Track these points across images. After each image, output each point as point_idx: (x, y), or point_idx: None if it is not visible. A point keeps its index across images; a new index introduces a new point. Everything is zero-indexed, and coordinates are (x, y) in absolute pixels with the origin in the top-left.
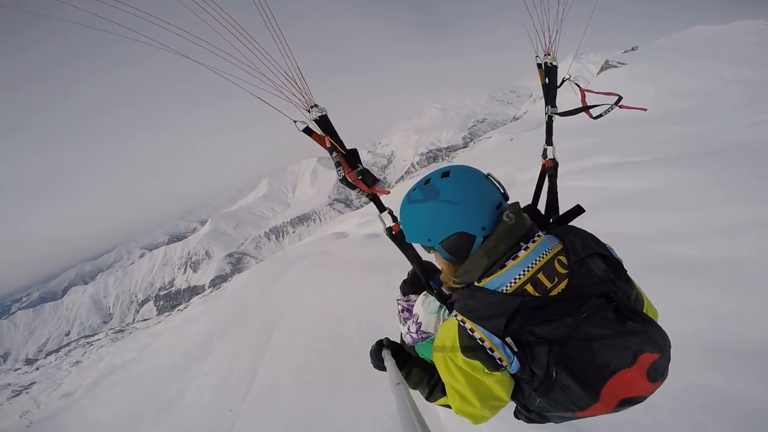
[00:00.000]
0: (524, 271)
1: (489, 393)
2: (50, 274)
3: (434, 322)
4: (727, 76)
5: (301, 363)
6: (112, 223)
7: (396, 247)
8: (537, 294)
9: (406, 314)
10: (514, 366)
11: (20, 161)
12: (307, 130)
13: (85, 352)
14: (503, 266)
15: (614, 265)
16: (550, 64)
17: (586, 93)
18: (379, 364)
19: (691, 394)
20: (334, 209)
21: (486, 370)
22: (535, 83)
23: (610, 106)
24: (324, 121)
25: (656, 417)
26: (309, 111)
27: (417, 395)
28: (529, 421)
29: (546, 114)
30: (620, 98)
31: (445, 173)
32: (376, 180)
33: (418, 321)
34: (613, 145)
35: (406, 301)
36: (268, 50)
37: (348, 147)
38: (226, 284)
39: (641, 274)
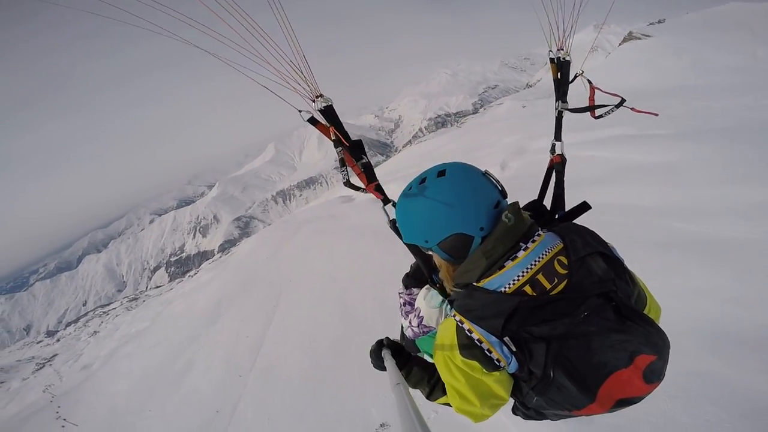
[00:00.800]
0: (523, 272)
1: (488, 392)
2: (64, 244)
3: (436, 317)
4: (760, 55)
5: (306, 331)
6: (121, 191)
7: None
8: (536, 295)
9: (408, 308)
10: (513, 366)
11: (32, 134)
12: (312, 120)
13: (102, 322)
14: (502, 267)
15: (615, 264)
16: (563, 59)
17: (595, 90)
18: (379, 364)
19: (692, 381)
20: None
21: (484, 370)
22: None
23: (614, 107)
24: (329, 112)
25: (655, 403)
26: (314, 101)
27: (417, 395)
28: (527, 417)
29: (556, 109)
30: (623, 100)
31: (441, 172)
32: (374, 180)
33: (420, 315)
34: (631, 116)
35: (408, 294)
36: (274, 39)
37: (354, 120)
38: (235, 249)
39: (653, 251)
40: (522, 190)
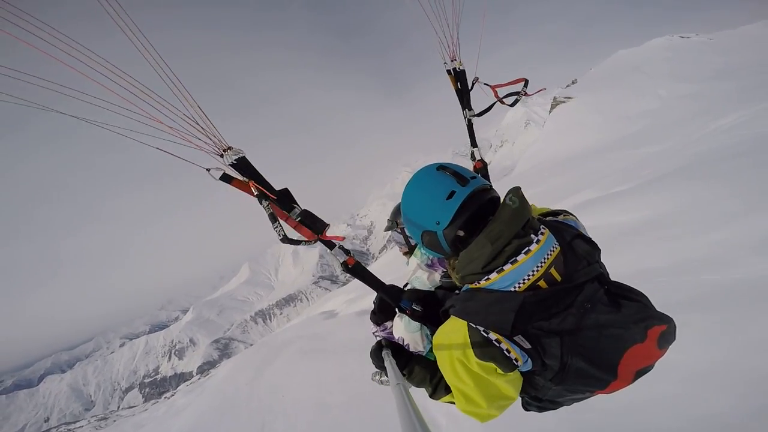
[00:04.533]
0: (538, 266)
1: (498, 393)
2: (24, 363)
3: (420, 339)
4: (662, 93)
5: None
6: (89, 315)
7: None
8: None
9: (391, 341)
10: (528, 364)
11: None
12: (225, 177)
13: None
14: (515, 261)
15: (592, 243)
16: (458, 68)
17: (496, 89)
18: (379, 365)
19: None
20: (320, 287)
21: (499, 371)
22: (491, 133)
23: (519, 92)
24: (243, 164)
25: None
26: (222, 156)
27: (418, 395)
28: (541, 410)
29: (465, 118)
30: (527, 81)
31: (409, 181)
32: (324, 224)
33: (406, 343)
34: (586, 179)
35: (383, 330)
36: (159, 94)
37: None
38: (214, 371)
39: (687, 314)
40: None
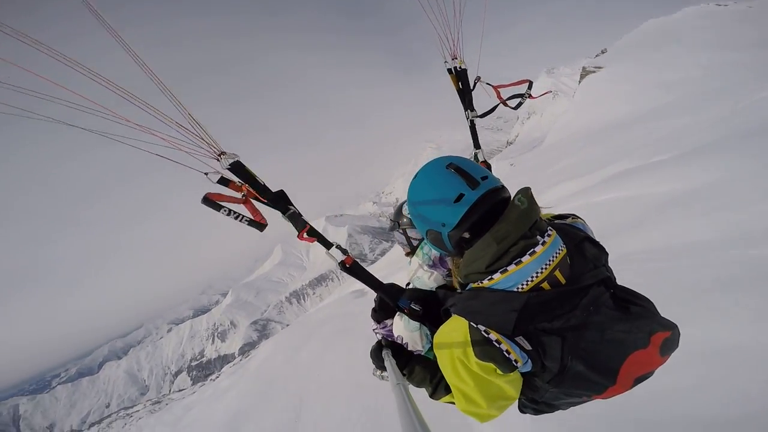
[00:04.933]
0: (543, 268)
1: (498, 394)
2: (85, 351)
3: (419, 339)
4: (704, 62)
5: None
6: (137, 302)
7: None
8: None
9: (390, 340)
10: (527, 365)
11: (54, 248)
12: (223, 181)
13: (125, 424)
14: (520, 262)
15: (599, 246)
16: (460, 68)
17: (499, 89)
18: (379, 365)
19: None
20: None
21: (499, 372)
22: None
23: (523, 95)
24: (238, 168)
25: None
26: (218, 160)
27: (418, 394)
28: (537, 412)
29: (467, 119)
30: (531, 83)
31: (415, 175)
32: (304, 225)
33: (405, 342)
34: (622, 149)
35: (383, 327)
36: (152, 103)
37: (354, 210)
38: (254, 352)
39: (740, 292)
40: None
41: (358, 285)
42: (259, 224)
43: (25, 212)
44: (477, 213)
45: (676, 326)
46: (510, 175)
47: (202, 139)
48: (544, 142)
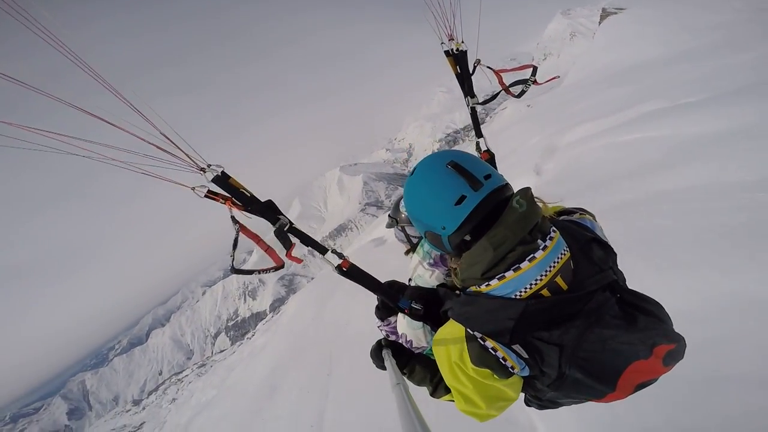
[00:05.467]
0: (543, 274)
1: (497, 395)
2: (132, 322)
3: (423, 336)
4: (737, 5)
5: (368, 402)
6: (172, 269)
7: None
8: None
9: (394, 337)
10: (525, 371)
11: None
12: (210, 195)
13: (178, 389)
14: (518, 269)
15: (607, 248)
16: (458, 50)
17: (501, 74)
18: (379, 364)
19: None
20: (367, 214)
21: (496, 377)
22: (532, 46)
23: (527, 81)
24: (222, 180)
25: None
26: (202, 174)
27: (417, 393)
28: (541, 408)
29: (468, 106)
30: (536, 69)
31: (412, 170)
32: (291, 244)
33: (408, 340)
34: (650, 90)
35: (387, 325)
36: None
37: (367, 158)
38: (284, 307)
39: None
40: (572, 196)
41: (377, 233)
42: (276, 267)
43: (67, 198)
44: (479, 215)
45: (683, 338)
46: (527, 116)
47: (184, 155)
48: (563, 83)
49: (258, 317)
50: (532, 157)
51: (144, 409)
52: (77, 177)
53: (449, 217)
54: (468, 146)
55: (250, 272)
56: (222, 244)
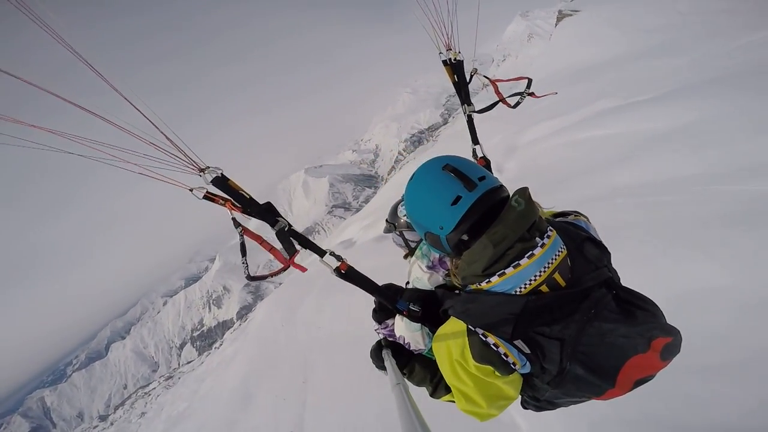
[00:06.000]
0: (541, 271)
1: (498, 394)
2: (88, 336)
3: (421, 338)
4: (682, 8)
5: (347, 409)
6: (129, 279)
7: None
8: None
9: (392, 339)
10: (526, 367)
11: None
12: (209, 197)
13: (146, 403)
14: (518, 265)
15: (602, 247)
16: (455, 59)
17: (497, 83)
18: (379, 365)
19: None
20: (334, 216)
21: (497, 374)
22: (492, 48)
23: (523, 93)
24: (221, 182)
25: None
26: (201, 175)
27: (417, 393)
28: (539, 409)
29: (465, 114)
30: (530, 81)
31: (412, 176)
32: (296, 250)
33: (406, 342)
34: (604, 89)
35: (384, 327)
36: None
37: (333, 160)
38: (252, 314)
39: (727, 228)
40: (533, 194)
41: (346, 235)
42: (284, 268)
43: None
44: (475, 215)
45: (678, 332)
46: (487, 116)
47: (183, 156)
48: (520, 84)
49: (225, 326)
50: (493, 156)
51: (112, 424)
52: (9, 177)
53: (446, 217)
54: (432, 147)
55: (264, 278)
56: (182, 252)
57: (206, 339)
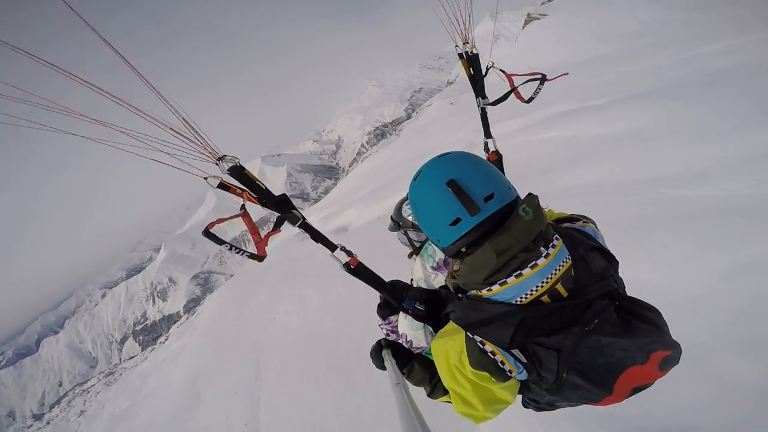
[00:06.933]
0: (544, 282)
1: (494, 398)
2: (16, 330)
3: (423, 337)
4: (642, 17)
5: (304, 406)
6: (63, 270)
7: (371, 243)
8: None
9: (394, 336)
10: (522, 375)
11: None
12: (223, 186)
13: (85, 401)
14: (520, 275)
15: (609, 257)
16: (471, 52)
17: (512, 78)
18: (379, 364)
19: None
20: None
21: (494, 380)
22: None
23: (538, 86)
24: (238, 172)
25: None
26: (217, 164)
27: (418, 393)
28: (539, 410)
29: (478, 107)
30: (544, 76)
31: (417, 173)
32: (277, 229)
33: (408, 340)
34: (562, 92)
35: (388, 323)
36: (146, 109)
37: (292, 149)
38: (200, 308)
39: (666, 230)
40: None
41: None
42: (259, 257)
43: None
44: (475, 234)
45: (678, 345)
46: (451, 113)
47: (201, 143)
48: (485, 84)
49: (170, 319)
50: None
51: (48, 423)
52: None
53: (443, 234)
54: (395, 141)
55: (221, 242)
56: (123, 240)
57: (150, 333)
